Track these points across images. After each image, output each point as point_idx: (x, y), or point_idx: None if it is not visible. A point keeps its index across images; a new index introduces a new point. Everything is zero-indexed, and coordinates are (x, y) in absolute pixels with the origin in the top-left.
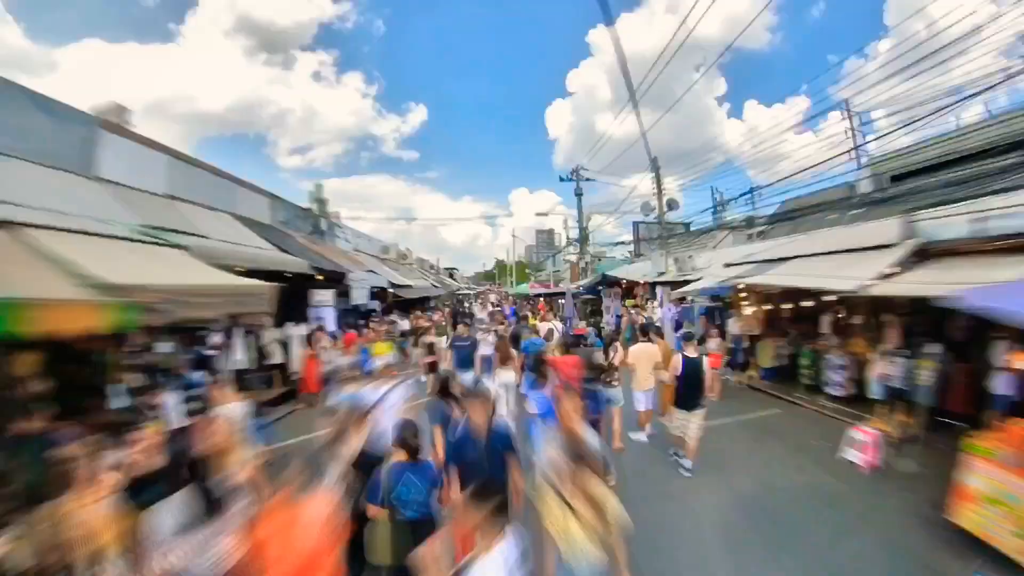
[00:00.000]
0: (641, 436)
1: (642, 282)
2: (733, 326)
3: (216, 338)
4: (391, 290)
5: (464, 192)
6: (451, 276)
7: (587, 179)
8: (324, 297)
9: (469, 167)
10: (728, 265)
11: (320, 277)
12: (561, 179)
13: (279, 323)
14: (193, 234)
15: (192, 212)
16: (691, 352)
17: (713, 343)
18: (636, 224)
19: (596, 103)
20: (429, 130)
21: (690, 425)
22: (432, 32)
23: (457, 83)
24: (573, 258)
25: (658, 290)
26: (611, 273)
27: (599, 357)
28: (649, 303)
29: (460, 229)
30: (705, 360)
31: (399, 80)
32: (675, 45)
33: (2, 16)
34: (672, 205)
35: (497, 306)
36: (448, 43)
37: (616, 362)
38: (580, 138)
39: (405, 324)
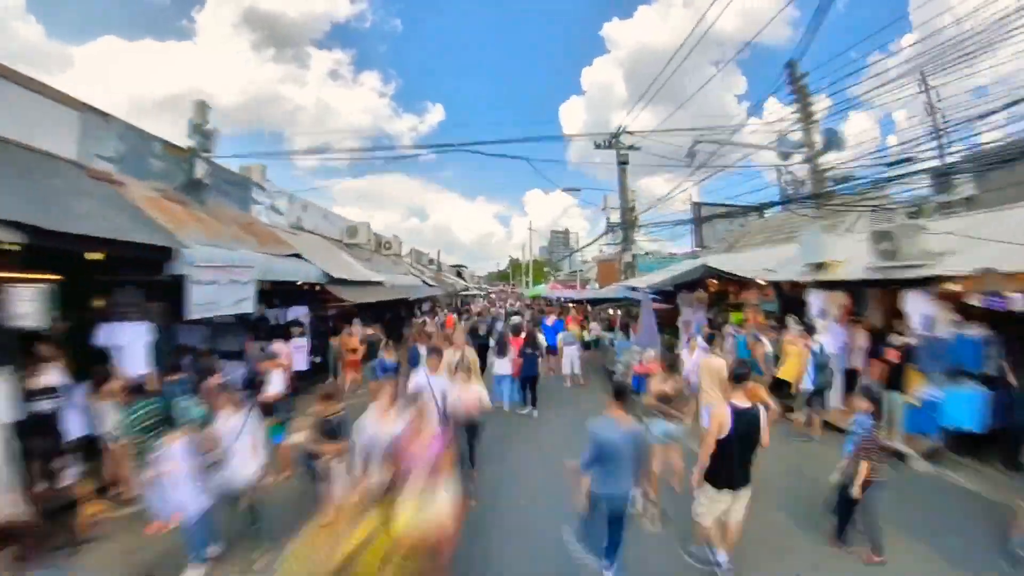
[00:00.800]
0: None
1: (763, 282)
2: None
3: None
4: (334, 288)
5: (478, 192)
6: (459, 274)
7: (630, 147)
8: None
9: (483, 167)
10: None
11: (99, 256)
12: (597, 145)
13: None
14: None
15: None
16: (742, 400)
17: None
18: (697, 205)
19: (612, 99)
20: (444, 129)
21: (734, 508)
22: (448, 32)
23: (471, 83)
24: (594, 251)
25: (813, 299)
26: (714, 263)
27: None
28: (793, 323)
29: (473, 228)
30: (763, 413)
31: (415, 79)
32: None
33: (23, 16)
34: (833, 140)
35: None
36: (463, 43)
37: (668, 390)
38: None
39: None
